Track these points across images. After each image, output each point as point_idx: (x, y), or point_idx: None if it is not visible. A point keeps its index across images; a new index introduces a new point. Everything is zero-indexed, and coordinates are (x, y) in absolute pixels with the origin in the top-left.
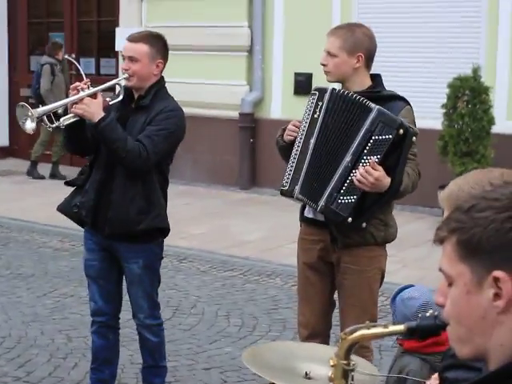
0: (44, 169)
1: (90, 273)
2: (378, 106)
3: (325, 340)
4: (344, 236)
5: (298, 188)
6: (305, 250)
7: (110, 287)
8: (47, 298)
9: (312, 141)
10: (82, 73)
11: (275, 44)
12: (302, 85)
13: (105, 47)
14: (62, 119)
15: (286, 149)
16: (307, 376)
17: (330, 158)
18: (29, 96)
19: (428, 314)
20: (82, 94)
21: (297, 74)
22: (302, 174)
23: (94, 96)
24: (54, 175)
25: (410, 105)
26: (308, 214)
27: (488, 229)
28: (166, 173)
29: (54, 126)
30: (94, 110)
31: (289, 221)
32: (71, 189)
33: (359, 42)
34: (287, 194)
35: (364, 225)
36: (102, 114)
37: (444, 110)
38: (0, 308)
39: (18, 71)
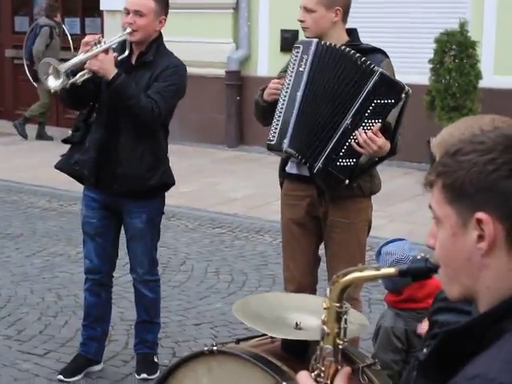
0: (30, 130)
1: (88, 230)
2: (380, 69)
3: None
4: (331, 189)
5: (286, 141)
6: (290, 206)
7: (107, 245)
8: (36, 257)
9: (299, 93)
10: (67, 33)
11: (261, 1)
12: (289, 42)
13: (89, 7)
14: (78, 75)
15: (266, 110)
16: (297, 326)
17: (324, 113)
18: (14, 57)
19: (419, 257)
20: (96, 49)
21: (283, 31)
22: (291, 126)
23: (105, 52)
24: (41, 136)
25: (388, 57)
26: (291, 169)
27: (471, 171)
28: (168, 127)
29: (70, 82)
30: (109, 66)
31: (276, 178)
32: (57, 148)
33: None
34: (275, 147)
35: (354, 184)
36: (116, 71)
37: (431, 65)
38: None
39: (2, 32)
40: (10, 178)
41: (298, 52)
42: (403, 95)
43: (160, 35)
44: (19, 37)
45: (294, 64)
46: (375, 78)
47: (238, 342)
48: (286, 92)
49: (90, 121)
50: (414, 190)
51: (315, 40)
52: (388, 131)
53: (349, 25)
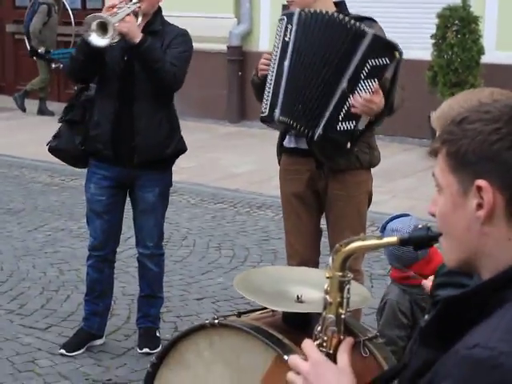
0: (31, 105)
1: (96, 207)
2: (373, 31)
3: (314, 268)
4: (329, 160)
5: (277, 111)
6: (290, 181)
7: (114, 222)
8: (38, 232)
9: (286, 63)
10: (68, 7)
11: None
12: None
13: None
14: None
15: (261, 86)
16: (299, 299)
17: (317, 80)
18: (15, 32)
19: (420, 226)
20: (126, 10)
21: (285, 6)
22: (281, 96)
23: (129, 15)
24: (42, 111)
25: (377, 23)
26: (289, 143)
27: (475, 140)
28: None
29: (105, 40)
30: (136, 30)
31: None
32: (53, 124)
33: None
34: (268, 118)
35: (348, 145)
36: (142, 35)
37: (433, 41)
38: None
39: (3, 7)
40: (12, 153)
41: (282, 23)
42: (397, 54)
43: (160, 8)
44: (20, 11)
45: (279, 36)
46: (368, 39)
47: (239, 315)
48: (274, 64)
49: (83, 99)
50: (415, 166)
51: (297, 9)
52: (383, 89)
53: None
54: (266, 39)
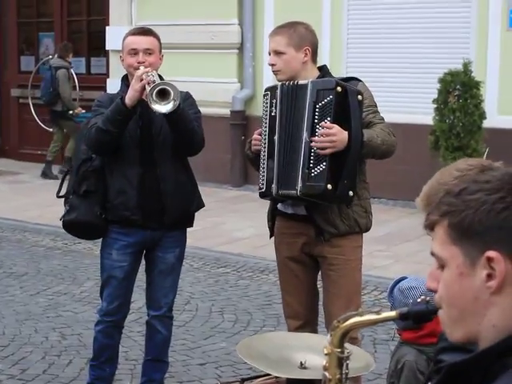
0: (34, 169)
1: (117, 274)
2: (310, 79)
3: (314, 329)
4: (331, 226)
5: (274, 186)
6: (286, 244)
7: (131, 287)
8: (40, 296)
9: (276, 137)
10: (73, 72)
11: (265, 41)
12: None
13: (95, 46)
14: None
15: (255, 160)
16: (302, 366)
17: (292, 144)
18: (20, 96)
19: (419, 300)
20: (154, 75)
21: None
22: (275, 169)
23: None
24: (46, 174)
25: (362, 81)
26: (285, 209)
27: (480, 210)
28: None
29: (169, 105)
30: None
31: None
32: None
33: (304, 37)
34: (266, 194)
35: (351, 193)
36: None
37: (435, 105)
38: None
39: (8, 71)
40: (15, 217)
41: (267, 99)
42: (339, 89)
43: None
44: (25, 76)
45: (266, 111)
46: (309, 87)
47: (242, 381)
48: (265, 139)
49: (90, 169)
50: (418, 230)
51: (279, 83)
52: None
53: (356, 62)
54: None
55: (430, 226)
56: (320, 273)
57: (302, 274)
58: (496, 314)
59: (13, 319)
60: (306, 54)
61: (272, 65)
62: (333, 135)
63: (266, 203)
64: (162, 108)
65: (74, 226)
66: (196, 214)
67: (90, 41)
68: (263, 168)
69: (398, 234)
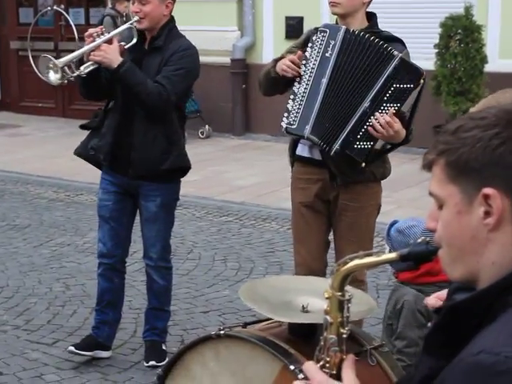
0: (35, 121)
1: (103, 213)
2: (400, 54)
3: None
4: (344, 174)
5: (308, 127)
6: (301, 189)
7: (120, 230)
8: (44, 247)
9: (324, 80)
10: (72, 23)
11: None
12: (294, 29)
13: None
14: (82, 67)
15: (277, 81)
16: (304, 309)
17: (345, 100)
18: (19, 48)
19: (419, 241)
20: (98, 40)
21: (288, 18)
22: (314, 113)
23: (109, 42)
24: None
25: (406, 48)
26: (302, 152)
27: (476, 147)
28: (183, 110)
29: (74, 75)
30: (112, 56)
31: (283, 165)
32: (63, 139)
33: None
34: (297, 132)
35: (363, 164)
36: (120, 59)
37: (437, 50)
38: None
39: (6, 24)
40: (17, 170)
41: (324, 36)
42: (422, 81)
43: (171, 19)
44: (24, 28)
45: (319, 48)
46: (395, 62)
47: (245, 325)
48: (310, 76)
49: (108, 108)
50: (420, 176)
51: (343, 27)
52: (403, 119)
53: None
54: (270, 52)
55: (428, 166)
56: (333, 220)
57: (313, 222)
58: (495, 251)
59: (16, 271)
60: None
61: None
62: (392, 128)
63: (268, 152)
64: (50, 77)
65: (80, 157)
66: (198, 163)
67: None
68: (299, 104)
69: (399, 180)
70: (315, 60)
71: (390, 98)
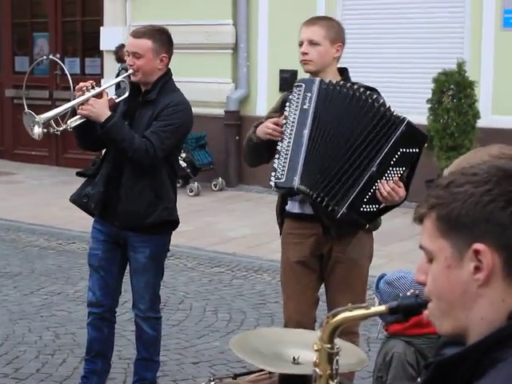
0: (29, 169)
1: (92, 262)
2: (407, 119)
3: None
4: (337, 227)
5: (297, 178)
6: (293, 244)
7: (110, 279)
8: (34, 295)
9: (306, 131)
10: (67, 73)
11: (260, 41)
12: (288, 82)
13: (89, 47)
14: (69, 122)
15: (259, 147)
16: (295, 361)
17: (338, 152)
18: (14, 96)
19: (409, 294)
20: (87, 94)
21: (282, 71)
22: (300, 163)
23: (99, 95)
24: None
25: (382, 96)
26: (293, 209)
27: (467, 203)
28: (174, 164)
29: (61, 129)
30: (100, 111)
31: (275, 217)
32: (55, 188)
33: (338, 33)
34: (285, 184)
35: (367, 226)
36: (108, 114)
37: (429, 105)
38: None
39: (2, 72)
40: (9, 217)
41: (300, 90)
42: (426, 144)
43: (167, 72)
44: (19, 77)
45: (297, 102)
46: (402, 127)
47: (235, 377)
48: (292, 130)
49: (100, 157)
50: (412, 230)
51: (318, 78)
52: (405, 182)
53: (351, 62)
54: (264, 104)
55: (419, 219)
56: (325, 274)
57: (304, 279)
58: (484, 306)
59: (6, 318)
60: (338, 50)
61: (304, 53)
62: (398, 195)
63: (260, 204)
64: (34, 131)
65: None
66: (190, 213)
67: (84, 41)
68: (285, 158)
69: (391, 234)
70: (294, 114)
71: (396, 163)
